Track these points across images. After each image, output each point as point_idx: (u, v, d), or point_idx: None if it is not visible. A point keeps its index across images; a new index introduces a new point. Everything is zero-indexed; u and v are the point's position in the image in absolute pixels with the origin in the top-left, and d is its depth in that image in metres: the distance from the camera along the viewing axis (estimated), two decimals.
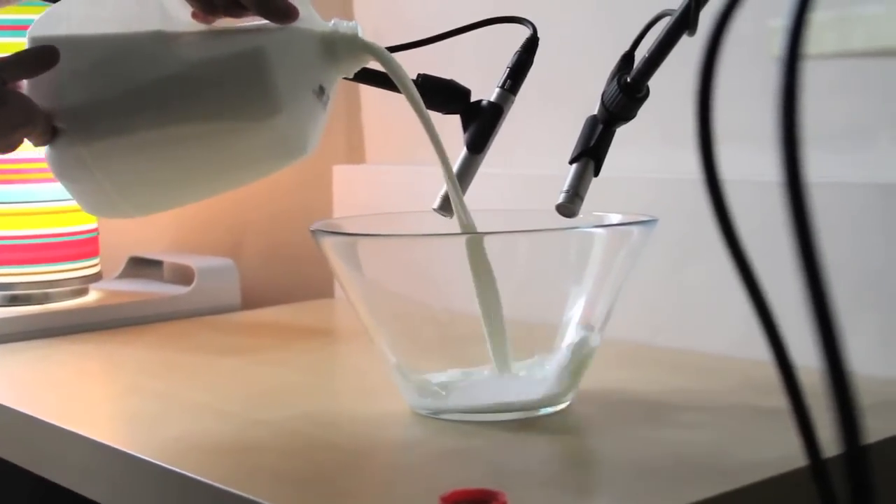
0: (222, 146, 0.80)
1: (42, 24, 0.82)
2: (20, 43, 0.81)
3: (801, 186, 0.35)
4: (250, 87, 0.78)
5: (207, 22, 0.82)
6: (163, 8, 0.82)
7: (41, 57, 0.78)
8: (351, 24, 0.83)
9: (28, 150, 1.29)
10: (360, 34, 0.82)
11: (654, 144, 1.18)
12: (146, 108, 0.79)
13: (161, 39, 0.80)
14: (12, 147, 0.81)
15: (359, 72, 0.88)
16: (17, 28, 1.29)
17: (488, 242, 0.87)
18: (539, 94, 1.06)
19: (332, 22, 0.83)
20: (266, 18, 0.80)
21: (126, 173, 0.81)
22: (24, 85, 0.80)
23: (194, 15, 0.82)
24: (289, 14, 0.80)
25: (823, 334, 0.37)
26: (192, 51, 0.79)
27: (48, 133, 0.80)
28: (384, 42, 0.93)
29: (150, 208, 0.88)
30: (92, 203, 0.84)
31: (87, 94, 0.79)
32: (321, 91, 0.81)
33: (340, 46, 0.82)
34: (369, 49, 0.83)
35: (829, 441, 0.49)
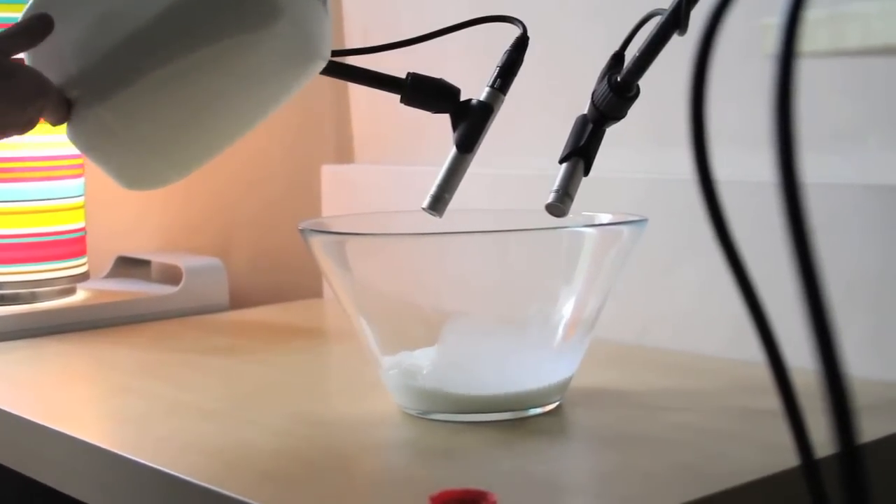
0: (233, 67, 0.79)
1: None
2: None
3: (796, 186, 0.35)
4: None
5: None
6: None
7: (36, 24, 0.78)
8: None
9: (15, 149, 1.30)
10: None
11: (644, 144, 1.18)
12: (150, 48, 0.78)
13: None
14: (31, 124, 0.80)
15: (348, 70, 0.87)
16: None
17: (478, 242, 0.87)
18: (529, 93, 1.06)
19: None
20: None
21: (149, 124, 0.80)
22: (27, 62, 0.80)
23: None
24: None
25: (819, 333, 0.37)
26: None
27: (63, 106, 0.79)
28: (374, 41, 0.92)
29: (184, 163, 0.85)
30: (126, 171, 0.82)
31: (90, 53, 0.78)
32: None
33: None
34: None
35: (821, 442, 0.49)
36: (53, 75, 0.78)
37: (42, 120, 0.80)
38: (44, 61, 0.79)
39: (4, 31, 0.78)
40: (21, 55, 0.80)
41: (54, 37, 0.78)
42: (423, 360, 0.87)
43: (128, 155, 0.81)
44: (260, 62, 0.79)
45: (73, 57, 0.79)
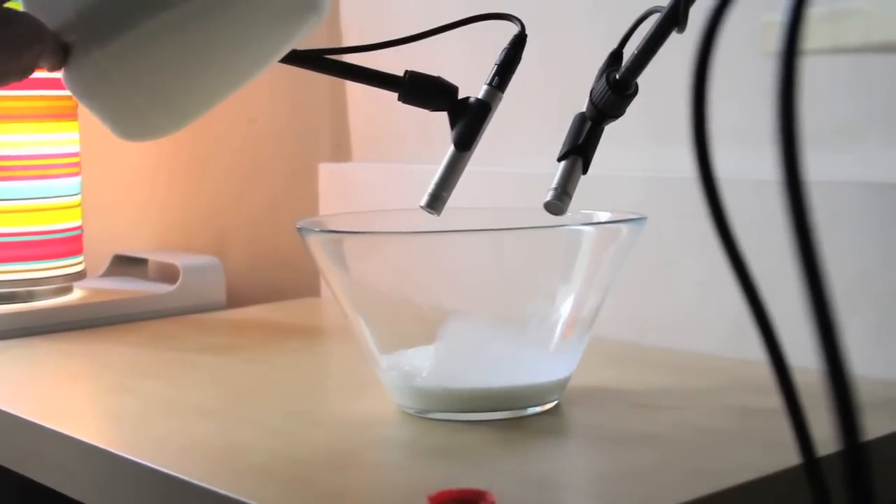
0: (236, 15, 0.77)
1: None
2: None
3: (800, 184, 0.35)
4: None
5: None
6: None
7: None
8: None
9: (11, 147, 1.29)
10: None
11: (642, 142, 1.18)
12: None
13: None
14: (28, 71, 0.78)
15: (345, 68, 0.87)
16: None
17: (476, 241, 0.87)
18: (527, 91, 1.05)
19: None
20: None
21: (148, 71, 0.78)
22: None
23: None
24: None
25: (822, 329, 0.36)
26: None
27: (60, 52, 0.78)
28: (371, 39, 0.92)
29: (182, 113, 0.82)
30: (122, 120, 0.80)
31: None
32: None
33: None
34: None
35: (823, 440, 0.49)
36: (49, 19, 0.77)
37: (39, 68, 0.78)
38: (39, 5, 0.78)
39: None
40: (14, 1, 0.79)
41: None
42: (420, 358, 0.87)
43: (125, 103, 0.79)
44: (263, 11, 0.78)
45: (71, 0, 0.77)
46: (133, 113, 0.80)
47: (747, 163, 1.04)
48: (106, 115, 0.80)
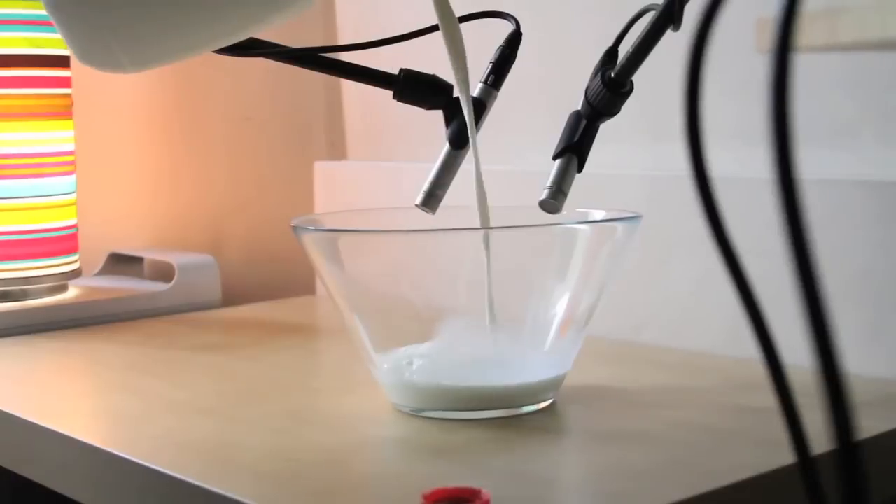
0: None
1: None
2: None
3: (793, 182, 0.35)
4: None
5: None
6: None
7: None
8: None
9: (6, 146, 1.29)
10: None
11: (638, 140, 1.18)
12: None
13: None
14: None
15: (340, 66, 0.87)
16: (16, 23, 1.28)
17: (471, 239, 0.87)
18: (522, 89, 1.05)
19: None
20: None
21: (118, 5, 0.77)
22: None
23: None
24: None
25: (816, 328, 0.36)
26: None
27: None
28: (365, 38, 0.92)
29: (144, 56, 0.80)
30: (85, 45, 0.79)
31: None
32: None
33: None
34: None
35: (817, 439, 0.49)
36: None
37: None
38: None
39: None
40: None
41: None
42: (415, 355, 0.87)
43: (88, 28, 0.77)
44: None
45: None
46: (96, 40, 0.78)
47: (741, 161, 1.04)
48: (69, 33, 0.79)
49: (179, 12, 0.78)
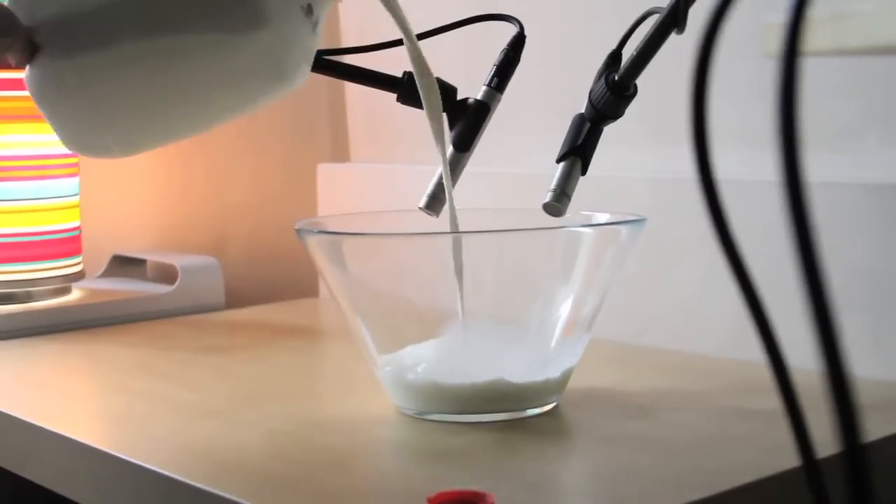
0: (205, 63, 0.77)
1: None
2: None
3: (800, 186, 0.35)
4: None
5: None
6: None
7: None
8: None
9: (9, 148, 1.29)
10: None
11: (642, 143, 1.18)
12: (132, 19, 0.76)
13: None
14: None
15: (344, 68, 0.87)
16: None
17: (474, 242, 0.87)
18: (526, 92, 1.05)
19: None
20: None
21: (106, 93, 0.78)
22: None
23: None
24: None
25: (822, 330, 0.36)
26: None
27: (28, 49, 0.77)
28: (369, 41, 0.92)
29: (132, 142, 0.83)
30: (73, 132, 0.81)
31: (70, 6, 0.77)
32: (309, 10, 0.80)
33: None
34: None
35: (822, 442, 0.49)
36: (25, 16, 0.77)
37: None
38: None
39: None
40: None
41: None
42: (418, 356, 0.87)
43: (76, 117, 0.79)
44: (229, 66, 0.78)
45: (51, 4, 0.77)
46: (82, 127, 0.80)
47: (747, 164, 1.04)
48: (56, 122, 0.80)
49: (168, 103, 0.80)
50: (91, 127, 0.80)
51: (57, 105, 0.79)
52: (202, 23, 0.77)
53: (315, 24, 0.81)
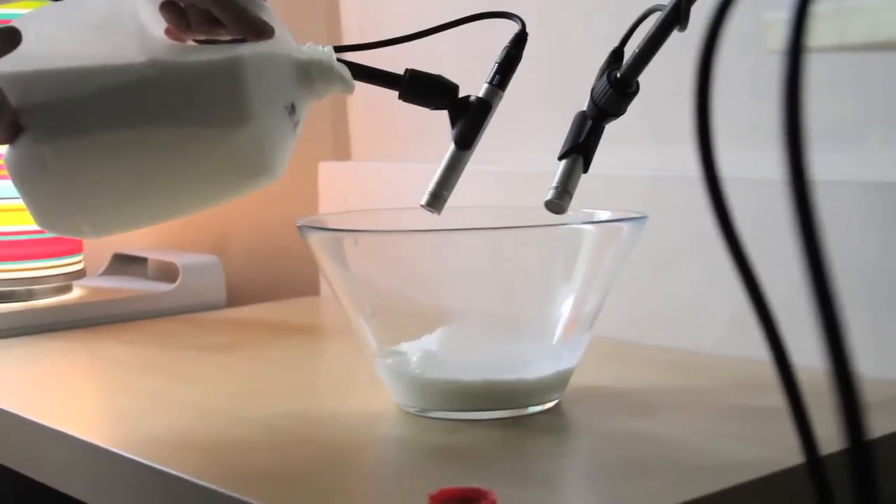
0: (187, 155, 0.78)
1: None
2: None
3: (805, 183, 0.35)
4: (223, 93, 0.77)
5: (180, 41, 0.82)
6: (138, 22, 0.81)
7: (2, 37, 0.77)
8: (326, 49, 0.83)
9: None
10: (334, 60, 0.83)
11: (643, 141, 1.17)
12: (115, 110, 0.77)
13: (137, 47, 0.79)
14: None
15: (345, 66, 0.87)
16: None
17: (477, 239, 0.87)
18: (528, 90, 1.05)
19: (307, 45, 0.83)
20: (241, 35, 0.80)
21: (86, 178, 0.79)
22: None
23: (167, 31, 0.82)
24: (264, 31, 0.80)
25: (828, 327, 0.36)
26: (167, 57, 0.78)
27: (11, 129, 0.78)
28: (370, 38, 0.92)
29: (105, 226, 0.84)
30: (47, 213, 0.81)
31: (56, 91, 0.77)
32: (292, 109, 0.81)
33: (315, 72, 0.82)
34: (342, 78, 0.84)
35: (825, 438, 0.49)
36: (13, 94, 0.77)
37: None
38: (8, 80, 0.78)
39: None
40: None
41: (26, 60, 0.77)
42: (419, 353, 0.87)
43: (53, 198, 0.80)
44: (211, 160, 0.79)
45: (39, 88, 0.78)
46: (59, 209, 0.81)
47: (749, 162, 1.04)
48: (32, 202, 0.81)
49: (146, 192, 0.81)
50: (66, 209, 0.80)
51: (34, 185, 0.80)
52: (187, 117, 0.78)
53: (296, 124, 0.82)
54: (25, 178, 0.79)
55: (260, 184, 0.81)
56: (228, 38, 0.82)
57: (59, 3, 0.83)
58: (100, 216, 0.82)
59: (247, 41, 0.80)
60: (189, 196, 0.83)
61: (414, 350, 0.87)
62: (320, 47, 0.83)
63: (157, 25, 0.81)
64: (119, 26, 0.80)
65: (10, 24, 0.78)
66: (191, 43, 0.83)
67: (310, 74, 0.82)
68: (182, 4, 0.81)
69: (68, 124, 0.77)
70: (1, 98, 0.76)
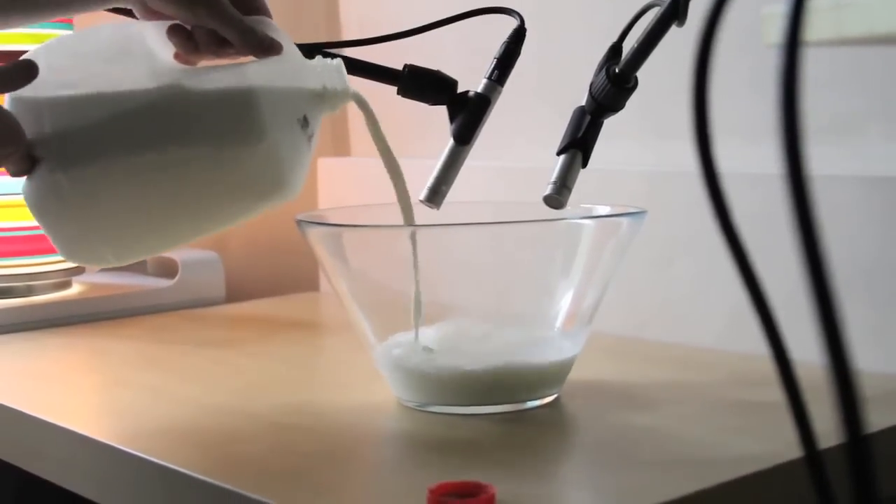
0: (204, 177, 0.78)
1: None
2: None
3: (803, 178, 0.35)
4: (235, 114, 0.78)
5: (190, 63, 0.83)
6: (147, 48, 0.81)
7: (19, 70, 0.77)
8: (335, 62, 0.83)
9: None
10: (346, 79, 0.83)
11: (642, 136, 1.18)
12: (129, 135, 0.78)
13: (147, 73, 0.79)
14: None
15: (344, 61, 0.87)
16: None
17: (476, 235, 0.87)
18: (527, 85, 1.05)
19: (316, 59, 0.83)
20: (249, 53, 0.80)
21: (104, 206, 0.79)
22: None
23: (176, 56, 0.82)
24: (272, 48, 0.80)
25: (826, 322, 0.36)
26: (178, 81, 0.78)
27: (27, 161, 0.78)
28: (369, 34, 0.92)
29: (127, 252, 0.85)
30: (69, 243, 0.82)
31: (70, 120, 0.78)
32: (305, 122, 0.81)
33: (328, 98, 0.83)
34: (358, 98, 0.85)
35: (823, 433, 0.49)
36: (28, 127, 0.77)
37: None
38: (22, 110, 0.78)
39: None
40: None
41: (40, 90, 0.78)
42: (419, 348, 0.87)
43: (73, 228, 0.80)
44: (228, 179, 0.79)
45: (52, 117, 0.78)
46: (79, 238, 0.81)
47: (746, 157, 1.04)
48: (54, 233, 0.81)
49: (166, 215, 0.81)
50: (87, 237, 0.81)
51: (54, 216, 0.80)
52: (201, 138, 0.78)
53: (311, 137, 0.82)
54: (44, 210, 0.80)
55: (278, 200, 0.81)
56: (237, 57, 0.82)
57: (67, 35, 0.84)
58: (121, 243, 0.82)
59: (255, 59, 0.80)
60: (209, 217, 0.83)
61: (413, 344, 0.87)
62: (328, 61, 0.83)
63: (165, 50, 0.82)
64: (128, 54, 0.81)
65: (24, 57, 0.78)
66: (201, 65, 0.83)
67: (322, 96, 0.83)
68: (189, 27, 0.81)
69: (82, 153, 0.78)
70: (16, 129, 0.76)
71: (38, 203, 0.80)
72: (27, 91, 0.77)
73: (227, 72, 0.79)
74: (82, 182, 0.78)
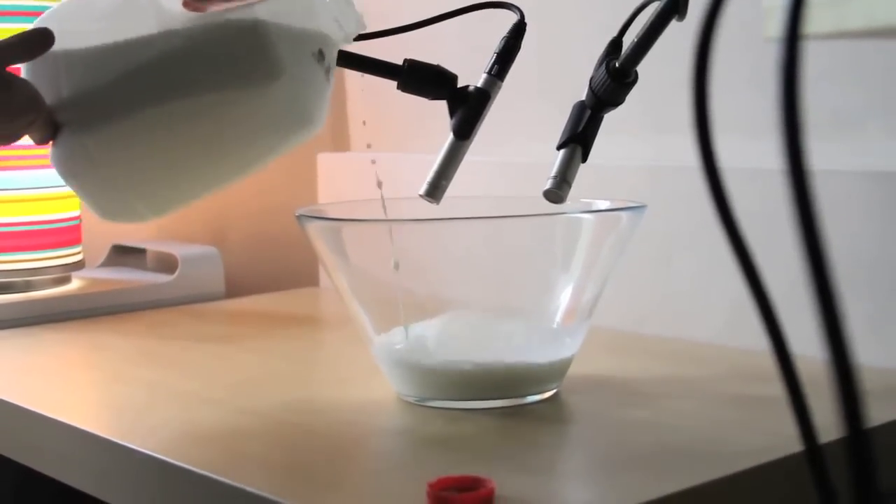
0: (224, 120, 0.78)
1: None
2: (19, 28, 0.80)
3: (804, 172, 0.35)
4: (249, 53, 0.77)
5: (200, 10, 0.82)
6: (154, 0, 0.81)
7: (35, 38, 0.77)
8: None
9: None
10: (354, 5, 0.83)
11: (642, 131, 1.17)
12: (146, 87, 0.78)
13: (156, 23, 0.79)
14: (14, 137, 0.79)
15: (344, 56, 0.87)
16: (18, 14, 1.27)
17: (475, 229, 0.87)
18: (527, 79, 1.05)
19: None
20: None
21: (132, 161, 0.79)
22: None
23: (185, 4, 0.82)
24: None
25: (826, 316, 0.36)
26: (189, 26, 0.78)
27: (50, 127, 0.78)
28: (370, 28, 0.92)
29: (161, 204, 0.85)
30: (103, 203, 0.82)
31: (87, 81, 0.78)
32: (321, 55, 0.81)
33: (341, 26, 0.83)
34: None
35: (823, 427, 0.49)
36: (46, 94, 0.77)
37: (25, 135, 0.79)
38: (40, 78, 0.78)
39: (2, 40, 0.77)
40: (18, 66, 0.80)
41: (54, 56, 0.78)
42: (418, 343, 0.87)
43: (105, 187, 0.80)
44: (251, 119, 0.79)
45: (69, 80, 0.78)
46: (112, 197, 0.81)
47: (746, 152, 1.04)
48: (87, 195, 0.81)
49: (194, 163, 0.81)
50: (120, 195, 0.81)
51: (84, 178, 0.80)
52: (218, 82, 0.77)
53: (328, 70, 0.81)
54: (75, 174, 0.80)
55: (303, 136, 0.81)
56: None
57: None
58: (154, 196, 0.82)
59: None
60: (235, 160, 0.82)
61: (413, 339, 0.87)
62: None
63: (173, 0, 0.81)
64: (136, 7, 0.80)
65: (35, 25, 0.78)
66: (212, 9, 0.83)
67: (335, 30, 0.82)
68: None
69: (103, 111, 0.78)
70: (36, 97, 0.76)
71: (67, 167, 0.80)
72: (42, 58, 0.78)
73: (237, 13, 0.79)
74: (107, 140, 0.78)
